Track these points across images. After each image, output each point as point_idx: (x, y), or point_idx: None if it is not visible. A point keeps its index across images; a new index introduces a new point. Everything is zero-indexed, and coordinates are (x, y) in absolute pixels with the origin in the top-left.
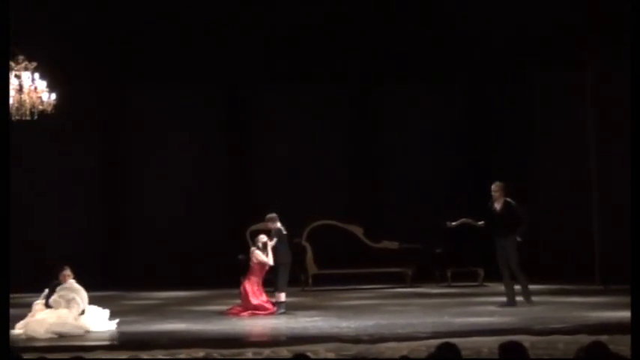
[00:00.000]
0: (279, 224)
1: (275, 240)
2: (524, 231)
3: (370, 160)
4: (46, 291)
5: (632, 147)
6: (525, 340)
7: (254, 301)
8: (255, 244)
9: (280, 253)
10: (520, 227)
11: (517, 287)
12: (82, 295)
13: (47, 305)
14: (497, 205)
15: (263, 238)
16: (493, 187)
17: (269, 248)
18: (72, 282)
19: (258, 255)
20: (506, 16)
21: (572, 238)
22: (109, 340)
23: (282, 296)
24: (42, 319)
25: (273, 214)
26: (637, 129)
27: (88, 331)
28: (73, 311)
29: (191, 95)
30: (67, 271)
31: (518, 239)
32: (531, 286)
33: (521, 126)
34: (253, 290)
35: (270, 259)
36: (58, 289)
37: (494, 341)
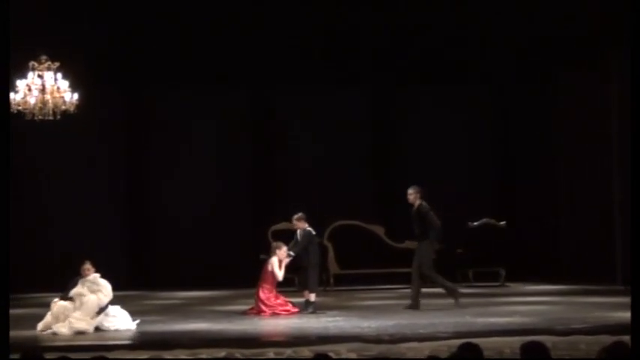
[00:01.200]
0: (307, 225)
1: (289, 259)
2: (438, 236)
3: (392, 160)
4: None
5: (632, 147)
6: (547, 340)
7: (269, 310)
8: (273, 250)
9: (311, 254)
10: (432, 232)
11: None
12: (107, 290)
13: (68, 298)
14: (413, 208)
15: (283, 252)
16: (408, 190)
17: (283, 264)
18: (95, 276)
19: (274, 265)
20: (528, 16)
21: (594, 238)
22: (130, 339)
23: (313, 296)
24: (64, 314)
25: (301, 214)
26: (637, 129)
27: (107, 329)
28: (92, 298)
29: (214, 96)
30: (88, 265)
31: (436, 246)
32: (553, 286)
33: (543, 126)
34: (268, 297)
35: (280, 275)
36: (81, 281)
37: (515, 341)
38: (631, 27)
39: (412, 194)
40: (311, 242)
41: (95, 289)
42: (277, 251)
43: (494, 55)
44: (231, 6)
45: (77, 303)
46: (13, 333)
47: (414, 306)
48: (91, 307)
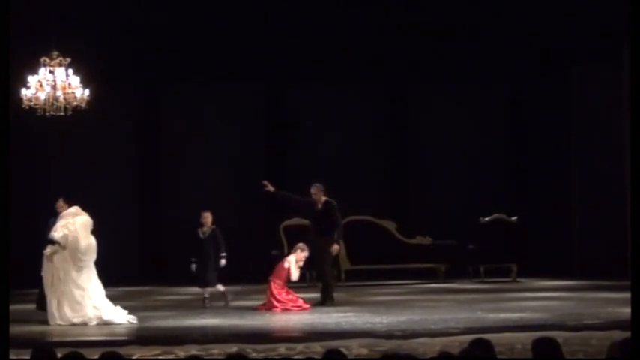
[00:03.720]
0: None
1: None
2: (341, 233)
3: (404, 156)
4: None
5: (632, 147)
6: (558, 335)
7: (281, 306)
8: (294, 249)
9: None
10: (338, 229)
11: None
12: (82, 223)
13: (51, 242)
14: (319, 205)
15: (303, 255)
16: (312, 190)
17: (298, 265)
18: (74, 209)
19: (291, 264)
20: (542, 12)
21: (606, 234)
22: (142, 335)
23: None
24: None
25: (208, 213)
26: (637, 129)
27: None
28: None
29: (226, 92)
30: (61, 202)
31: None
32: (564, 282)
33: (556, 122)
34: (280, 293)
35: (295, 275)
36: (58, 219)
37: (527, 337)
38: (631, 27)
39: (316, 194)
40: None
41: (68, 222)
42: (298, 251)
43: (508, 52)
44: (245, 4)
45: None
46: (24, 328)
47: (331, 300)
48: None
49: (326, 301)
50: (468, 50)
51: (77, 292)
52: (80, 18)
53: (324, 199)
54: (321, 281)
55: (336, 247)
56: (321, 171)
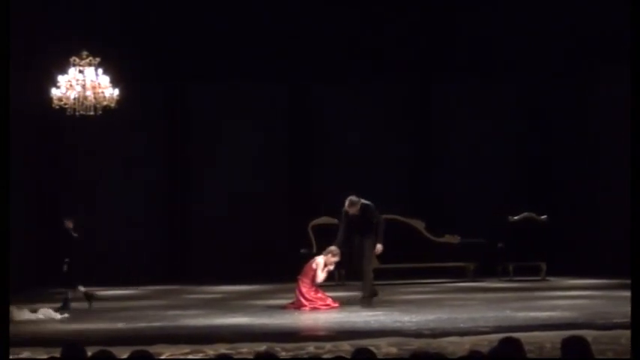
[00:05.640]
0: None
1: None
2: (384, 228)
3: (432, 154)
4: None
5: (632, 147)
6: (588, 334)
7: (310, 304)
8: (326, 251)
9: None
10: (381, 227)
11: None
12: None
13: None
14: (354, 210)
15: (334, 259)
16: (347, 204)
17: (327, 269)
18: None
19: (319, 266)
20: (564, 9)
21: (635, 231)
22: (171, 333)
23: None
24: None
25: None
26: (637, 129)
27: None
28: None
29: (252, 91)
30: None
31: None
32: (593, 280)
33: (580, 119)
34: (308, 291)
35: (321, 278)
36: None
37: (556, 336)
38: (631, 26)
39: (355, 202)
40: None
41: None
42: (329, 255)
43: (531, 48)
44: (271, 4)
45: None
46: (53, 326)
47: (374, 293)
48: None
49: (364, 299)
50: (489, 46)
51: None
52: (110, 18)
53: (361, 202)
54: (369, 284)
55: (379, 247)
56: (348, 170)
